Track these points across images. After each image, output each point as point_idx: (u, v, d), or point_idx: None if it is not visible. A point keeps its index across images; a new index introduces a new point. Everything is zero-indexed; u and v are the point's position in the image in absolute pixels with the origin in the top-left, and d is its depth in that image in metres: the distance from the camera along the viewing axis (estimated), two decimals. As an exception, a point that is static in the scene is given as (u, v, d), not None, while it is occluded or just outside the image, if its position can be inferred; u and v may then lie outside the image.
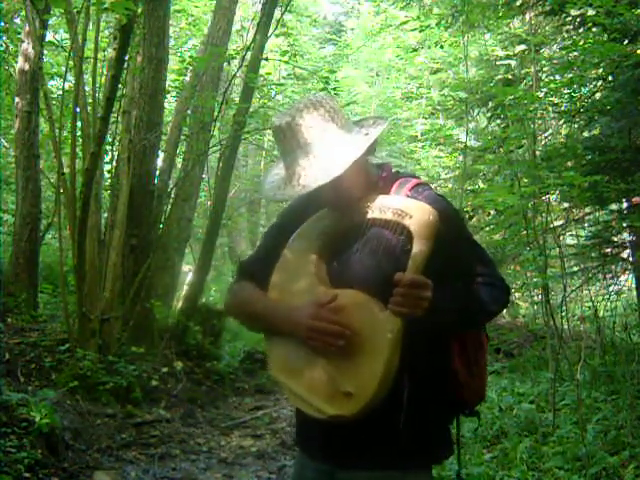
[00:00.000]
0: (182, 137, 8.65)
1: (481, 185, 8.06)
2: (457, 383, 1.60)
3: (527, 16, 6.79)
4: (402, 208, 1.52)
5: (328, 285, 1.59)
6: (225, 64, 9.28)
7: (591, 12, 5.15)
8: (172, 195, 7.51)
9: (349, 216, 1.61)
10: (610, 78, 5.36)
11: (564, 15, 5.74)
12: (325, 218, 1.64)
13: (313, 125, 1.52)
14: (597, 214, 6.11)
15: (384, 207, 1.54)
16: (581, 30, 5.81)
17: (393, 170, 1.70)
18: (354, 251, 1.59)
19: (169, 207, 7.22)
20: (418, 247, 1.46)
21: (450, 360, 1.60)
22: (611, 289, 6.03)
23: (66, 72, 6.08)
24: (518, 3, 6.21)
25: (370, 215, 1.56)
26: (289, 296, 1.61)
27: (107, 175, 7.47)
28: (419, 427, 1.56)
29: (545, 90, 5.47)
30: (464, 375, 1.60)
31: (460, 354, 1.61)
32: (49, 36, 7.68)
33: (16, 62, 7.19)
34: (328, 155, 1.50)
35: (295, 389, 1.56)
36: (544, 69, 6.48)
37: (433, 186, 1.75)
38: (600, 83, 5.68)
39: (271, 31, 7.58)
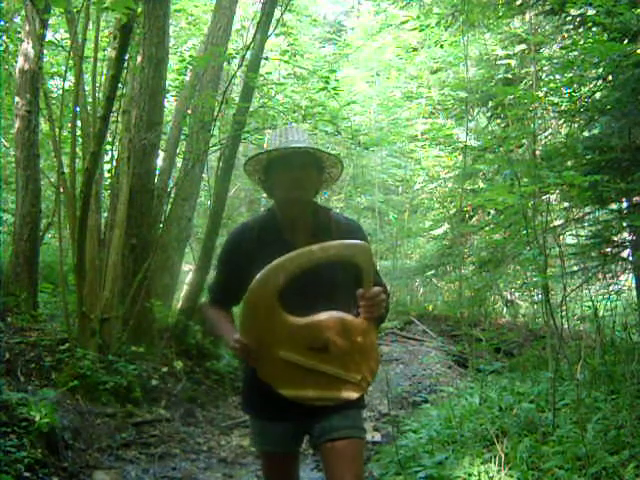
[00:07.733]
0: (182, 137, 8.65)
1: (481, 185, 8.05)
2: None
3: (527, 16, 6.79)
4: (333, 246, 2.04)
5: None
6: (225, 64, 9.28)
7: (591, 12, 5.16)
8: (172, 195, 7.51)
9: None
10: (610, 78, 5.36)
11: (564, 15, 5.74)
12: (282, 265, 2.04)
13: (299, 132, 2.20)
14: (597, 214, 6.10)
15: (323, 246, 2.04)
16: (581, 30, 5.81)
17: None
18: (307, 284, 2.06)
19: (169, 207, 7.22)
20: (364, 269, 2.01)
21: None
22: (611, 289, 6.01)
23: (66, 72, 6.10)
24: (518, 3, 6.20)
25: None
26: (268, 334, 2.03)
27: (107, 175, 7.47)
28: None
29: (545, 90, 5.47)
30: None
31: None
32: (49, 36, 7.69)
33: (16, 62, 7.18)
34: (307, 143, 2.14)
35: (307, 395, 2.01)
36: (544, 69, 6.47)
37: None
38: (600, 83, 5.67)
39: (271, 30, 7.58)
